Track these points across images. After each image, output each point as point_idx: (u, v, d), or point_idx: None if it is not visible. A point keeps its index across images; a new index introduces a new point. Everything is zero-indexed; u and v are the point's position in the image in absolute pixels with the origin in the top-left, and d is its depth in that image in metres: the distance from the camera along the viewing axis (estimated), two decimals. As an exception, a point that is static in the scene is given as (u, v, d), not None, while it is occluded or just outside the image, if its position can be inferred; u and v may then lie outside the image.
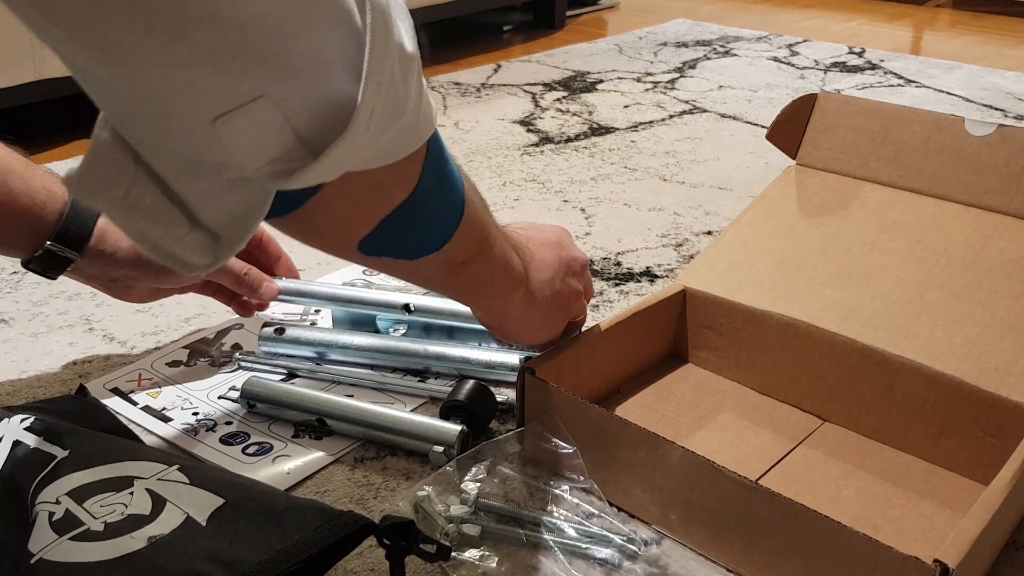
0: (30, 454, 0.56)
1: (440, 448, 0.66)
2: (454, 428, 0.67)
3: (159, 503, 0.52)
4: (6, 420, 0.58)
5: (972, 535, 0.50)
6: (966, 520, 0.51)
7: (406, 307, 0.81)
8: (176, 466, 0.56)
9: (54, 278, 0.71)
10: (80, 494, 0.52)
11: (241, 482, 0.56)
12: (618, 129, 1.46)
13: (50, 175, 0.69)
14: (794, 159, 0.84)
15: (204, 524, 0.50)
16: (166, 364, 0.80)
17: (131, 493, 0.53)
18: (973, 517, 0.52)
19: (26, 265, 0.70)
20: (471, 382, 0.71)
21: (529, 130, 1.46)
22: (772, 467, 0.66)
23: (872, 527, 0.60)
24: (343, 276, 0.95)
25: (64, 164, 1.29)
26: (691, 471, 0.58)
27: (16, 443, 0.56)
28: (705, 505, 0.58)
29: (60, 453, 0.56)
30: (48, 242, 0.68)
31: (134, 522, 0.50)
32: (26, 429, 0.57)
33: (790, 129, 0.84)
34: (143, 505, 0.51)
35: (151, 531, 0.49)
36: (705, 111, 1.56)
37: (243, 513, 0.51)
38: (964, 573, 0.49)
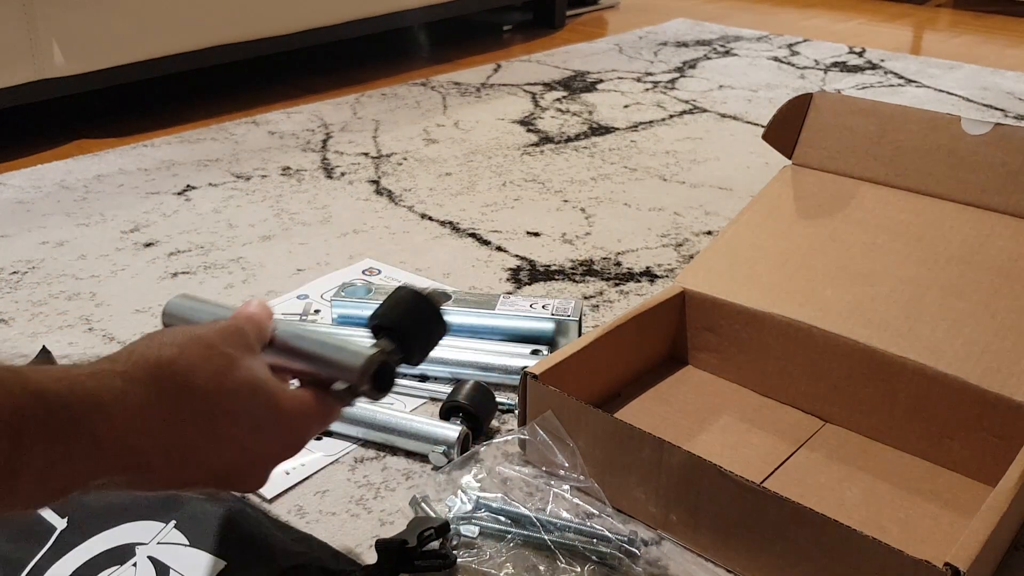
0: (28, 526, 0.57)
1: (440, 448, 0.66)
2: (454, 429, 0.67)
3: (162, 572, 0.54)
4: None
5: (982, 537, 0.50)
6: (975, 522, 0.51)
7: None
8: (173, 522, 0.57)
9: None
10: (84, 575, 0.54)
11: (241, 536, 0.56)
12: (618, 129, 1.46)
13: None
14: (790, 159, 0.84)
15: None
16: (165, 365, 0.80)
17: (134, 565, 0.55)
18: (982, 519, 0.51)
19: None
20: (471, 382, 0.71)
21: (529, 130, 1.46)
22: (775, 470, 0.66)
23: (878, 529, 0.60)
24: (343, 276, 0.95)
25: (63, 164, 1.29)
26: (695, 475, 0.57)
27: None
28: (711, 509, 0.58)
29: (59, 524, 0.57)
30: None
31: None
32: None
33: (786, 129, 0.83)
34: None
35: None
36: (705, 111, 1.55)
37: None
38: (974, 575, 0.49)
